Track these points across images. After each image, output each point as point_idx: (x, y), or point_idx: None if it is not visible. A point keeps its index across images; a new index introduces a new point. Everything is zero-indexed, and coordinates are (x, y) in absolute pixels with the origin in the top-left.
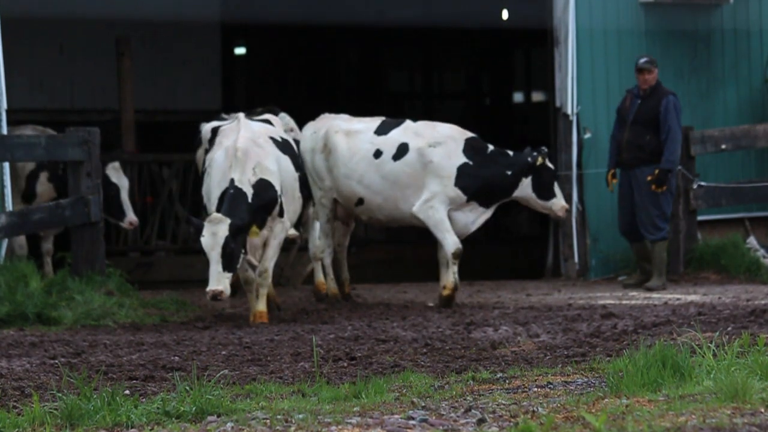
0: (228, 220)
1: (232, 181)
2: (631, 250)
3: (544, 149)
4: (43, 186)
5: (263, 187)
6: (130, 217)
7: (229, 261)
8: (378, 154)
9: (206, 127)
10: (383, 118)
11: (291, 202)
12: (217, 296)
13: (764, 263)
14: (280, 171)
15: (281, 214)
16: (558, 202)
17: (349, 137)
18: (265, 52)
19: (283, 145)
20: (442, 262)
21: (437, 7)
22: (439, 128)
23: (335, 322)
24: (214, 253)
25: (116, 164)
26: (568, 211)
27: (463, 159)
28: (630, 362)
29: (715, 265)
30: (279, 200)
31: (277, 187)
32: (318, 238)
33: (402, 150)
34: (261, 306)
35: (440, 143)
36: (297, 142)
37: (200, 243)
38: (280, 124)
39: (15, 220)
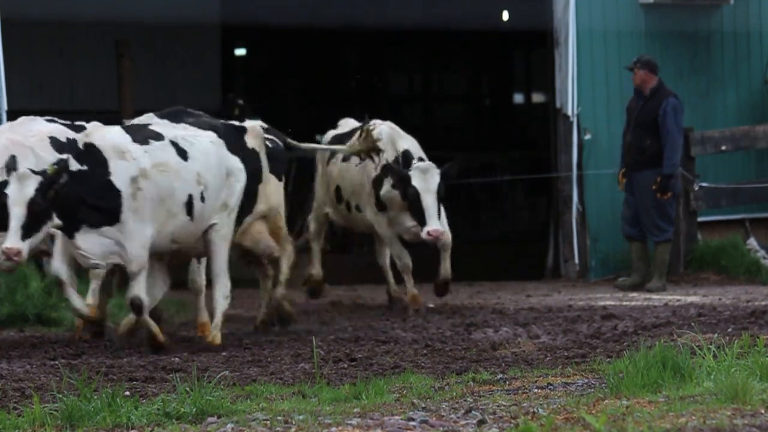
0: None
1: None
2: (631, 250)
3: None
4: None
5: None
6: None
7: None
8: None
9: None
10: None
11: None
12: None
13: (764, 264)
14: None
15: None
16: None
17: None
18: (265, 53)
19: (66, 147)
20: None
21: (437, 8)
22: None
23: (335, 323)
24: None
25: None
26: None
27: None
28: (630, 363)
29: (715, 266)
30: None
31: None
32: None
33: None
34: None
35: None
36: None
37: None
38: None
39: None
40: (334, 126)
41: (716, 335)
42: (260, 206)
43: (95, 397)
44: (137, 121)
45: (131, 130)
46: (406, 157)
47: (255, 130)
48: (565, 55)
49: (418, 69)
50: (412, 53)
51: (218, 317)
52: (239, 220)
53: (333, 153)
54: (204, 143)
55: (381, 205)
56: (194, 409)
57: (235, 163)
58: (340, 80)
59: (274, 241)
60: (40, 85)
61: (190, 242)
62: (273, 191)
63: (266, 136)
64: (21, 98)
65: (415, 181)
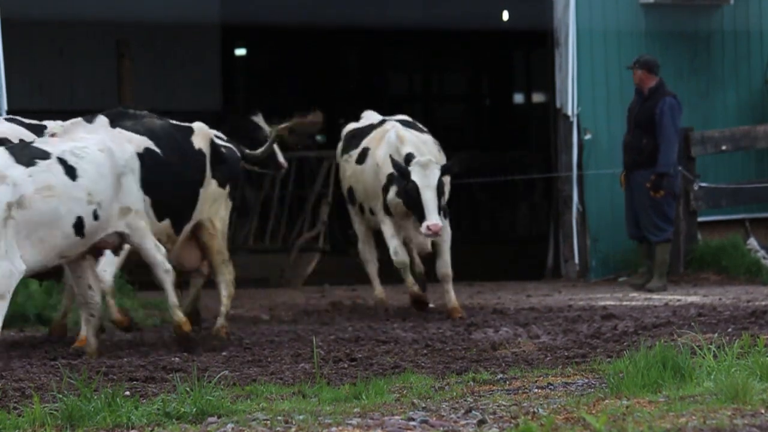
0: None
1: None
2: (639, 250)
3: None
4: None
5: None
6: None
7: None
8: None
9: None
10: None
11: None
12: None
13: (764, 264)
14: None
15: None
16: None
17: None
18: (265, 53)
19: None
20: None
21: (437, 8)
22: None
23: (336, 323)
24: None
25: None
26: None
27: None
28: (630, 363)
29: (716, 266)
30: None
31: None
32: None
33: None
34: None
35: None
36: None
37: None
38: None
39: None
40: (347, 121)
41: (716, 335)
42: (197, 213)
43: (95, 397)
44: (64, 125)
45: (16, 151)
46: (408, 161)
47: (202, 131)
48: (565, 55)
49: (418, 69)
50: (412, 53)
51: (170, 293)
52: (178, 229)
53: (278, 135)
54: (93, 153)
55: (390, 212)
56: (194, 409)
57: (124, 156)
58: (340, 80)
59: (194, 260)
60: (40, 85)
61: (81, 253)
62: (211, 198)
63: (223, 143)
64: (21, 98)
65: (415, 176)
